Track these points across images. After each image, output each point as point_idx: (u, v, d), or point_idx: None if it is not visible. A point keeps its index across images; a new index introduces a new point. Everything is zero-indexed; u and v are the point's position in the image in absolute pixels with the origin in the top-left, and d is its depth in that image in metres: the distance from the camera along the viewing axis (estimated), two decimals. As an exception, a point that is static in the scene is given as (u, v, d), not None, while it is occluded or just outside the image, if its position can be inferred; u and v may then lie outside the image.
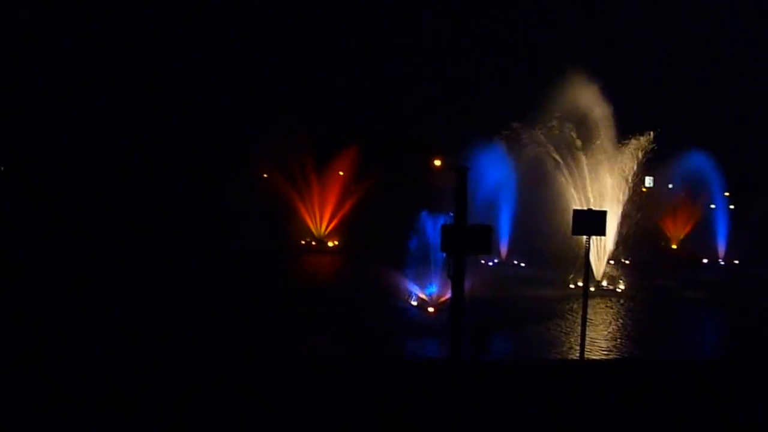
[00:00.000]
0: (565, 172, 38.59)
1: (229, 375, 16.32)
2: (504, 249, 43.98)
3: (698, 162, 51.92)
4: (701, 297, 35.43)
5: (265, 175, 60.47)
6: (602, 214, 20.72)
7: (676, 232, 59.73)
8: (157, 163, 63.55)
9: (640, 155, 38.83)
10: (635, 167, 38.92)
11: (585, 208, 31.19)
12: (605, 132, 38.64)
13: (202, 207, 55.98)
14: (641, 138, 38.81)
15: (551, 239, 36.17)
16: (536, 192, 38.61)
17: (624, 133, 39.29)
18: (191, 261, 39.98)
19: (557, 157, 38.38)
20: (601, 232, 20.73)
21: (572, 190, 38.41)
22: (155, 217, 52.65)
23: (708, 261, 51.14)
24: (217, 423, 12.43)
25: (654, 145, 38.53)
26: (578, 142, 38.44)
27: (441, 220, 27.61)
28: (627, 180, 38.96)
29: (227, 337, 23.30)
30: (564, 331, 27.29)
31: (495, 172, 38.53)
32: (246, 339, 23.40)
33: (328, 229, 54.57)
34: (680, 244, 59.05)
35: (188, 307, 27.55)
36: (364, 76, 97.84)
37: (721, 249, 53.13)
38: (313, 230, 54.51)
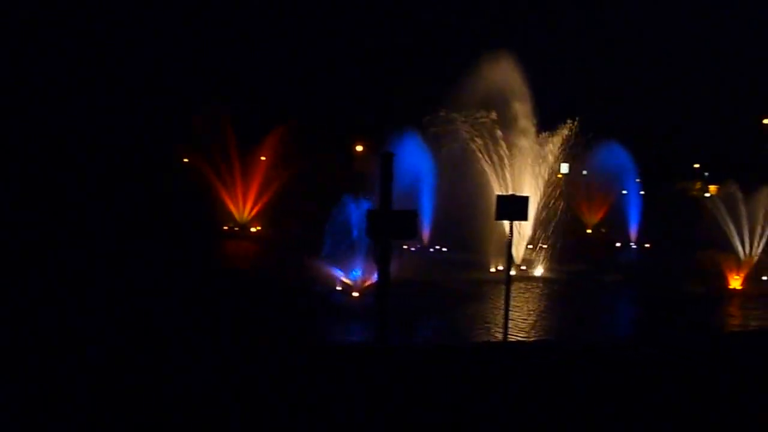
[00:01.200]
0: (486, 158, 39.22)
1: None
2: (426, 234, 44.34)
3: (611, 149, 53.48)
4: (618, 280, 36.54)
5: (185, 160, 59.42)
6: (524, 200, 20.99)
7: (591, 217, 61.37)
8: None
9: (559, 144, 39.86)
10: (554, 155, 39.91)
11: (508, 193, 31.73)
12: (525, 120, 39.45)
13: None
14: (563, 127, 39.86)
15: (472, 224, 36.75)
16: (457, 178, 39.06)
17: (542, 119, 40.26)
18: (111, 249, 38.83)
19: (479, 144, 38.96)
20: (524, 217, 21.01)
21: (492, 176, 39.06)
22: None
23: (621, 244, 52.77)
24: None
25: (575, 132, 39.61)
26: (498, 132, 39.13)
27: (363, 205, 27.77)
28: (545, 167, 39.88)
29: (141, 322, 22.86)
30: (487, 313, 27.82)
31: (416, 157, 38.85)
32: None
33: (251, 215, 54.09)
34: (594, 228, 60.70)
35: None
36: (288, 60, 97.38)
37: (633, 233, 54.85)
38: (236, 216, 53.94)
